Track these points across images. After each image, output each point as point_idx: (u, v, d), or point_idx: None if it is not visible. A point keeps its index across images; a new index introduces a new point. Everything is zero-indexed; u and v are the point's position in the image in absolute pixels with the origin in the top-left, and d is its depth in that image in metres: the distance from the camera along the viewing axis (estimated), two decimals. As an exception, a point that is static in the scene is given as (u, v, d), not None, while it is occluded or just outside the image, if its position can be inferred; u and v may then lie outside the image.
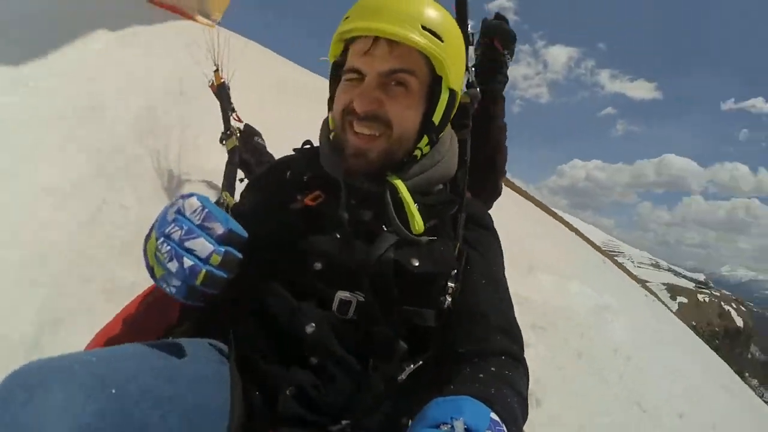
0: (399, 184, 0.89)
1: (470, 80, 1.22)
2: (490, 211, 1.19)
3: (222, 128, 2.53)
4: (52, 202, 1.73)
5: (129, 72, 3.26)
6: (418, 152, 0.94)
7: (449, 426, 0.54)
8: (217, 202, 1.46)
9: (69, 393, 0.58)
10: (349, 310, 0.83)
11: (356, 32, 0.87)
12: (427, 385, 0.79)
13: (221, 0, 6.43)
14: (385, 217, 0.88)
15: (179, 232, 0.74)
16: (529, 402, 0.80)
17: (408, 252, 0.87)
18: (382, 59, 0.86)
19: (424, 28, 0.84)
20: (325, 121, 1.02)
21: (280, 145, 1.83)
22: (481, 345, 0.82)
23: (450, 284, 0.88)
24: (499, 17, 1.55)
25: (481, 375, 0.74)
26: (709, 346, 8.36)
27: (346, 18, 0.89)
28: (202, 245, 0.74)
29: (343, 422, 0.78)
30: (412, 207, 0.88)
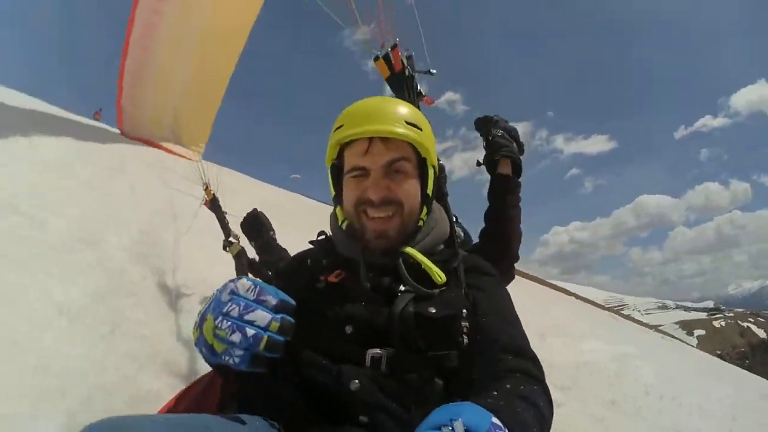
0: (410, 250, 1.07)
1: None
2: None
3: (223, 237, 2.56)
4: (67, 318, 1.78)
5: (119, 202, 3.47)
6: (421, 222, 1.14)
7: (449, 428, 0.58)
8: None
9: None
10: (381, 364, 0.93)
11: (354, 136, 1.08)
12: None
13: (198, 135, 6.94)
14: (401, 279, 1.05)
15: (237, 308, 0.81)
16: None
17: (425, 304, 0.99)
18: (381, 154, 1.08)
19: (407, 123, 1.09)
20: (333, 214, 1.21)
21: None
22: (495, 367, 0.92)
23: (464, 324, 1.01)
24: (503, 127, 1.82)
25: (495, 392, 0.82)
26: (742, 367, 8.22)
27: (340, 127, 1.11)
28: (261, 316, 0.81)
29: None
30: (429, 263, 1.06)
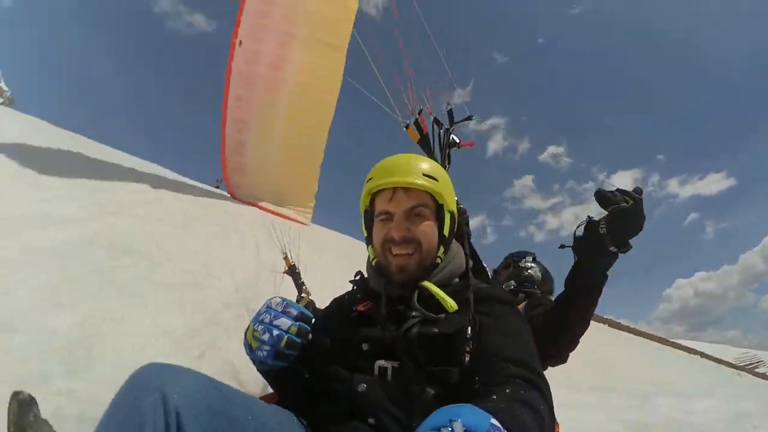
0: (427, 283, 1.22)
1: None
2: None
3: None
4: (168, 340, 2.08)
5: (227, 255, 3.99)
6: (438, 259, 1.30)
7: (449, 429, 0.61)
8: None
9: (184, 374, 0.86)
10: (387, 374, 1.09)
11: (382, 186, 1.29)
12: None
13: (303, 197, 7.66)
14: (413, 307, 1.18)
15: (269, 317, 1.14)
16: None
17: (430, 326, 1.13)
18: (403, 201, 1.28)
19: (424, 175, 1.28)
20: (368, 257, 1.41)
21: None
22: (496, 376, 0.97)
23: (467, 343, 1.09)
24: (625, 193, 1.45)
25: (495, 396, 0.86)
26: None
27: (370, 179, 1.33)
28: (284, 322, 1.13)
29: None
30: (442, 294, 1.18)
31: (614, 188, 1.47)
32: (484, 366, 1.02)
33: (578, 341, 1.65)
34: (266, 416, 0.99)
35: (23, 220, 2.83)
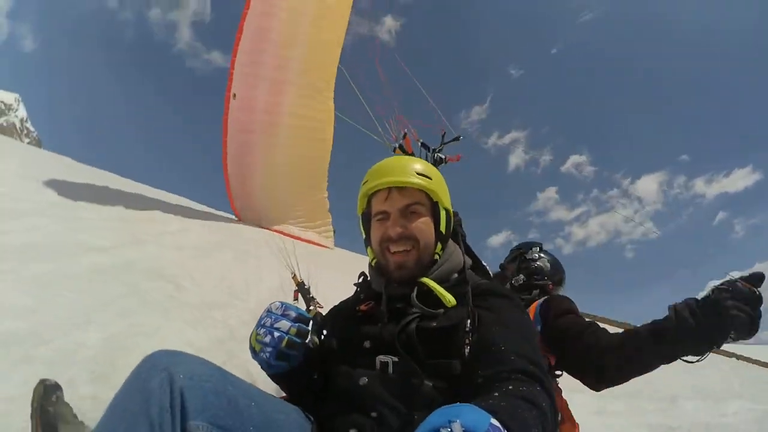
0: (426, 280, 1.24)
1: None
2: None
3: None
4: (192, 350, 2.21)
5: (247, 278, 4.12)
6: (437, 256, 1.31)
7: (448, 429, 0.60)
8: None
9: (190, 359, 0.92)
10: (388, 368, 1.10)
11: (377, 187, 1.33)
12: None
13: (313, 218, 7.97)
14: (412, 304, 1.20)
15: (269, 320, 1.19)
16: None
17: (429, 321, 1.14)
18: (398, 200, 1.31)
19: (418, 173, 1.30)
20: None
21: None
22: (497, 369, 0.96)
23: (466, 336, 1.09)
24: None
25: (496, 393, 0.85)
26: None
27: (366, 181, 1.36)
28: (284, 324, 1.18)
29: None
30: (440, 289, 1.19)
31: (737, 278, 1.26)
32: (484, 358, 1.01)
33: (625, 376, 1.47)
34: (269, 405, 1.02)
35: (59, 247, 3.03)
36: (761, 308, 1.20)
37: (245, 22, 6.18)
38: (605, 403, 4.14)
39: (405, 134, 2.58)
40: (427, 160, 2.44)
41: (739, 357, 9.12)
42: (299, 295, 2.44)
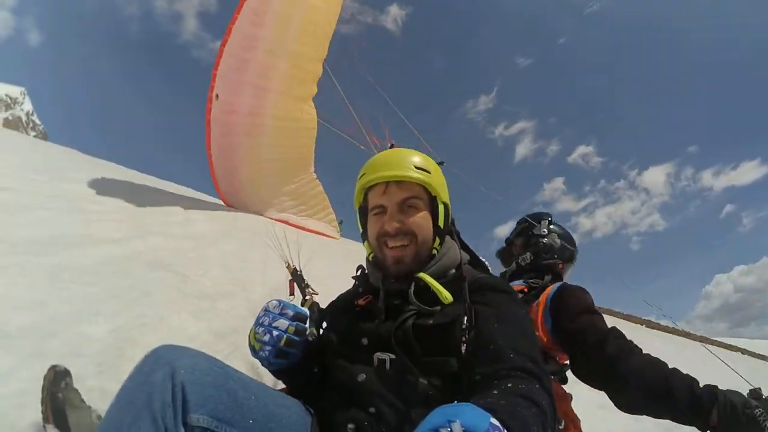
0: (423, 275, 1.23)
1: None
2: None
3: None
4: (195, 344, 2.18)
5: (251, 269, 4.13)
6: (434, 251, 1.30)
7: (448, 429, 0.60)
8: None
9: (192, 354, 0.93)
10: (385, 365, 1.09)
11: (375, 181, 1.30)
12: None
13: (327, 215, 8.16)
14: (409, 301, 1.19)
15: (267, 319, 1.20)
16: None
17: (425, 318, 1.14)
18: (395, 194, 1.28)
19: (416, 167, 1.28)
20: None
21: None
22: (496, 366, 0.95)
23: (463, 332, 1.08)
24: None
25: (495, 391, 0.85)
26: None
27: (363, 174, 1.34)
28: (282, 323, 1.20)
29: None
30: (437, 285, 1.18)
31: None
32: (482, 355, 1.01)
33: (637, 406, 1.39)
34: (269, 399, 1.03)
35: (67, 240, 3.06)
36: None
37: (234, 26, 6.23)
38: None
39: (392, 145, 2.40)
40: None
41: (744, 351, 9.13)
42: (295, 285, 2.47)
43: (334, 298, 1.50)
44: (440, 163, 1.97)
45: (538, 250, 2.04)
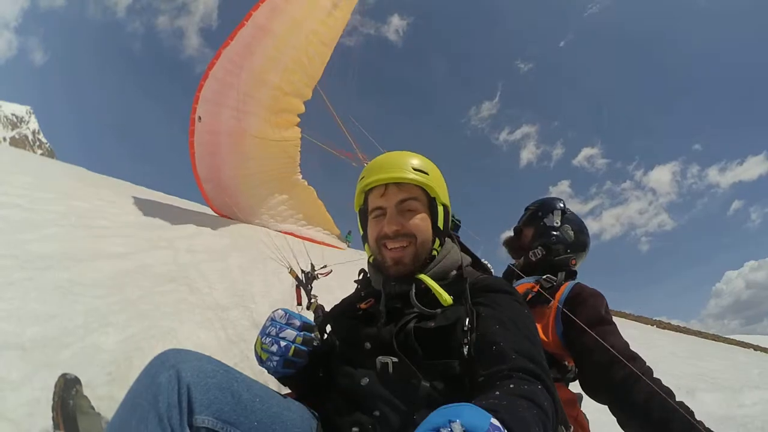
0: (423, 276, 1.23)
1: None
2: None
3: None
4: (206, 353, 2.32)
5: (258, 281, 4.20)
6: (435, 252, 1.30)
7: (448, 429, 0.59)
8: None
9: (198, 357, 0.94)
10: (388, 369, 1.09)
11: (374, 183, 1.31)
12: None
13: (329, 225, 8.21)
14: (410, 302, 1.20)
15: (274, 329, 1.18)
16: None
17: (427, 321, 1.13)
18: (394, 195, 1.29)
19: (414, 169, 1.29)
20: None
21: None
22: (498, 367, 0.95)
23: (465, 335, 1.08)
24: None
25: (497, 392, 0.85)
26: None
27: (362, 177, 1.36)
28: (290, 333, 1.18)
29: None
30: (438, 287, 1.18)
31: None
32: (484, 356, 1.00)
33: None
34: (273, 401, 1.04)
35: (77, 255, 3.12)
36: None
37: (223, 51, 6.26)
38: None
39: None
40: None
41: (756, 347, 9.03)
42: (302, 291, 2.49)
43: (335, 304, 1.50)
44: (457, 225, 1.84)
45: (550, 244, 1.93)
